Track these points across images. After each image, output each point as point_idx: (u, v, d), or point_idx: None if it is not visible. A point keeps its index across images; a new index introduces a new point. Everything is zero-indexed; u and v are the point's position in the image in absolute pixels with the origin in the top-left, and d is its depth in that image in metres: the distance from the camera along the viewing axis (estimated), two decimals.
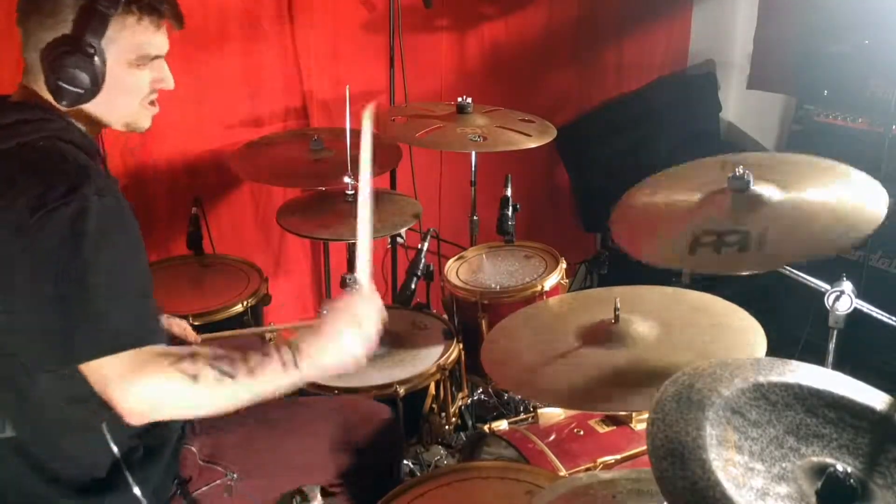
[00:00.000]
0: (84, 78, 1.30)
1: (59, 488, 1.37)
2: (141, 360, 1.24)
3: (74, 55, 1.28)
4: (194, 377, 1.26)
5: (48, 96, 1.34)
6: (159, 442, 1.48)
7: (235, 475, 1.57)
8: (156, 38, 1.40)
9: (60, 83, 1.29)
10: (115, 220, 1.27)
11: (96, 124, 1.42)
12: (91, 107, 1.36)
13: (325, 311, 1.41)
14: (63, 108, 1.35)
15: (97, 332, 1.23)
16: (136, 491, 1.41)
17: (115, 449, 1.39)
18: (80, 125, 1.39)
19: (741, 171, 1.64)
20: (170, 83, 1.45)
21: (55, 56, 1.28)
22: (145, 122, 1.46)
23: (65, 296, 1.21)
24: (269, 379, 1.31)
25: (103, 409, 1.27)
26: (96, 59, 1.30)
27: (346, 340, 1.37)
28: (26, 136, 1.31)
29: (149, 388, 1.24)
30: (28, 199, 1.22)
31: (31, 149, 1.30)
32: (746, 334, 1.63)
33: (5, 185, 1.25)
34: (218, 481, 1.56)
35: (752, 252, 1.47)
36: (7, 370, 1.32)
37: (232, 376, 1.27)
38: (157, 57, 1.42)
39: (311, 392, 2.01)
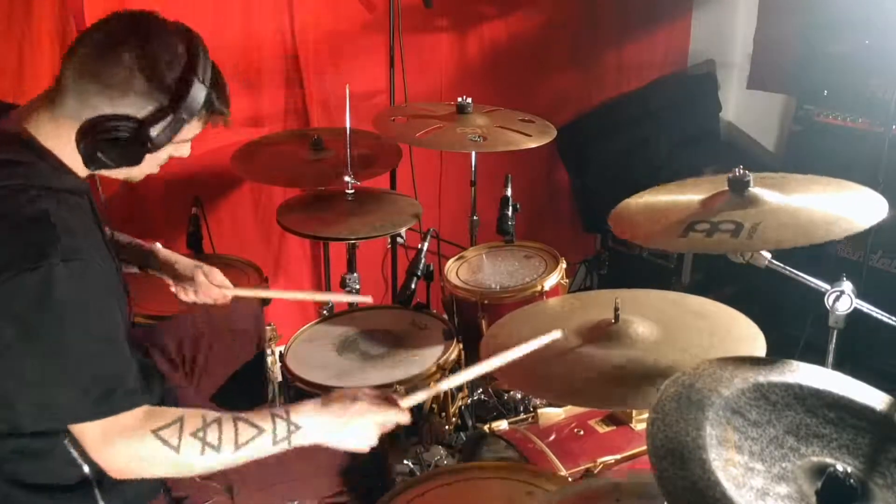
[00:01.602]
0: (125, 161, 1.30)
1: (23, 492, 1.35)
2: (122, 425, 1.26)
3: (133, 145, 1.27)
4: (176, 448, 1.27)
5: (57, 133, 1.30)
6: None
7: (234, 490, 1.56)
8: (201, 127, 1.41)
9: (100, 155, 1.26)
10: (81, 285, 1.23)
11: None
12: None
13: (348, 393, 1.41)
14: (67, 146, 1.30)
15: (72, 400, 1.23)
16: None
17: (85, 469, 1.37)
18: (70, 165, 1.33)
19: (741, 172, 1.65)
20: (186, 154, 1.46)
21: (112, 133, 1.26)
22: (142, 177, 1.45)
23: (36, 362, 1.21)
24: (255, 451, 1.32)
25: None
26: (147, 145, 1.29)
27: (349, 432, 1.38)
28: (9, 181, 1.26)
29: (128, 453, 1.26)
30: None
31: (8, 199, 1.25)
32: (746, 341, 1.63)
33: None
34: (215, 498, 1.55)
35: (742, 240, 1.50)
36: None
37: (216, 450, 1.29)
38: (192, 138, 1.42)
39: (310, 396, 2.01)
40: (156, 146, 1.30)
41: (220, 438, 1.29)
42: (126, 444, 1.26)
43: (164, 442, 1.27)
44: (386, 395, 1.44)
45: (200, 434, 1.28)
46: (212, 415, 1.31)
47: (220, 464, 1.31)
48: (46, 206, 1.25)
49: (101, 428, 1.25)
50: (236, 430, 1.30)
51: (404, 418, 1.43)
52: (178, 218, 2.61)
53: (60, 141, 1.30)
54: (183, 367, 1.91)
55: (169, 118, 1.29)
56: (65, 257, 1.21)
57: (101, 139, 1.26)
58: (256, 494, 1.59)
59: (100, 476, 1.37)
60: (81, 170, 1.34)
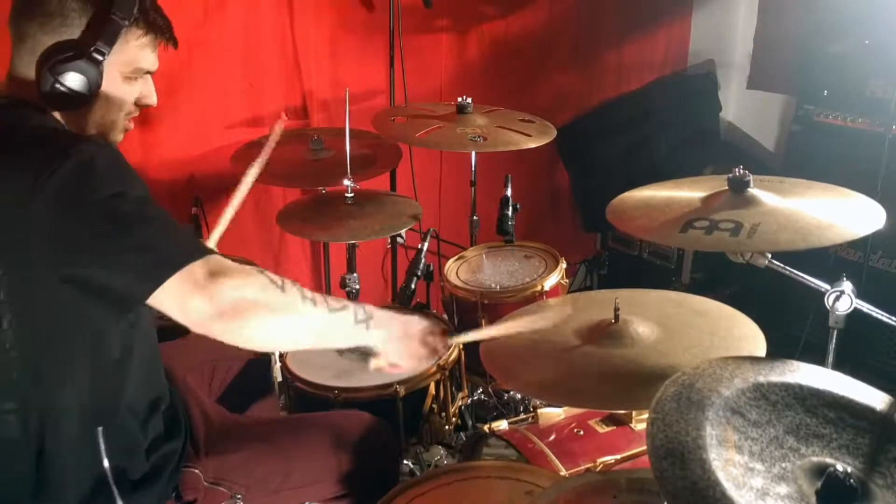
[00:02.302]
0: (84, 84, 1.31)
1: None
2: (224, 262, 1.24)
3: (81, 60, 1.30)
4: (281, 287, 1.26)
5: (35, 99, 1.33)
6: (158, 461, 1.46)
7: (241, 495, 1.56)
8: (152, 55, 1.42)
9: (58, 86, 1.29)
10: (121, 161, 1.28)
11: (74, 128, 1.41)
12: (74, 116, 1.36)
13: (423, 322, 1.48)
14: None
15: (170, 246, 1.22)
16: None
17: (105, 463, 1.37)
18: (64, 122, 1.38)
19: (741, 172, 1.66)
20: (153, 99, 1.46)
21: (59, 59, 1.28)
22: (119, 136, 1.46)
23: (111, 232, 1.20)
24: (340, 324, 1.33)
25: (102, 417, 1.29)
26: (100, 66, 1.32)
27: (408, 342, 1.44)
28: (16, 121, 1.31)
29: (235, 289, 1.21)
30: (27, 168, 1.20)
31: (22, 128, 1.30)
32: (746, 340, 1.63)
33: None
34: (224, 502, 1.56)
35: (741, 239, 1.51)
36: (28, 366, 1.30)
37: (314, 303, 1.29)
38: (148, 72, 1.43)
39: (313, 396, 2.02)
40: (101, 53, 1.31)
41: (315, 296, 1.30)
42: (233, 281, 1.21)
43: (271, 280, 1.25)
44: (441, 327, 1.50)
45: (299, 286, 1.29)
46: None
47: (314, 321, 1.30)
48: (47, 124, 1.33)
49: (207, 267, 1.21)
50: (326, 297, 1.31)
51: (446, 351, 1.54)
52: (178, 218, 2.58)
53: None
54: (203, 381, 1.93)
55: (107, 24, 1.31)
56: (98, 144, 1.26)
57: (55, 69, 1.28)
58: (262, 499, 1.59)
59: (120, 474, 1.38)
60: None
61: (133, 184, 1.27)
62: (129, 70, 1.39)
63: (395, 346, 1.43)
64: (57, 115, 1.37)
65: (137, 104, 1.45)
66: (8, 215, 1.21)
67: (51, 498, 1.35)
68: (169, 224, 1.27)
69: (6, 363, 1.28)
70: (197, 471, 1.56)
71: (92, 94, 1.34)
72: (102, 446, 1.36)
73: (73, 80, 1.30)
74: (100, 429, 1.36)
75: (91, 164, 1.22)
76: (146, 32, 1.38)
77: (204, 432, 1.64)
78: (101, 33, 1.31)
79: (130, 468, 1.41)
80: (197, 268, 1.21)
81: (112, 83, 1.37)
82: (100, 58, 1.32)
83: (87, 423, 1.35)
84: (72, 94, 1.31)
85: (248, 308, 1.22)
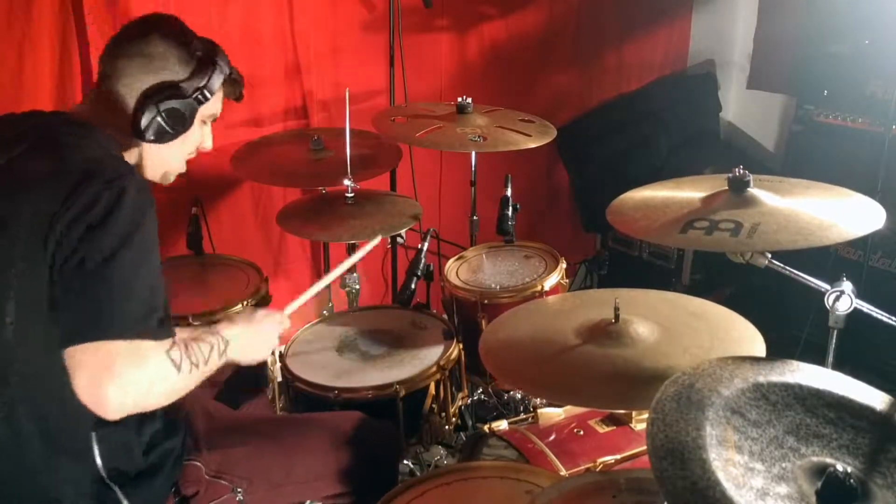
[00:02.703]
0: (182, 119, 1.45)
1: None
2: (142, 347, 1.26)
3: (188, 98, 1.45)
4: (178, 366, 1.31)
5: (116, 130, 1.44)
6: (159, 455, 1.47)
7: (242, 490, 1.57)
8: (221, 103, 1.61)
9: (158, 119, 1.42)
10: (146, 214, 1.33)
11: (159, 166, 1.55)
12: (151, 151, 1.50)
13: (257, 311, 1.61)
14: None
15: (116, 313, 1.25)
16: None
17: (99, 463, 1.38)
18: (133, 162, 1.50)
19: (741, 172, 1.66)
20: (210, 145, 1.62)
21: (168, 95, 1.43)
22: (171, 179, 1.61)
23: (91, 273, 1.25)
24: (212, 366, 1.40)
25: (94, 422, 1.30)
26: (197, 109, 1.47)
27: (265, 340, 1.58)
28: (86, 138, 1.40)
29: (144, 377, 1.25)
30: (74, 175, 1.29)
31: (73, 139, 1.39)
32: (746, 341, 1.63)
33: (37, 173, 1.31)
34: (225, 496, 1.56)
35: (741, 239, 1.51)
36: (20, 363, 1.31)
37: (198, 367, 1.35)
38: (215, 119, 1.60)
39: (313, 396, 2.02)
40: (205, 97, 1.48)
41: (198, 356, 1.36)
42: (145, 368, 1.25)
43: (173, 362, 1.30)
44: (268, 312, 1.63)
45: (188, 354, 1.34)
46: (179, 338, 1.36)
47: (195, 380, 1.36)
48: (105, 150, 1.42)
49: (132, 347, 1.24)
50: (201, 348, 1.38)
51: (287, 324, 1.66)
52: (178, 218, 2.61)
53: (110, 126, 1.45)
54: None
55: (205, 74, 1.48)
56: (138, 186, 1.34)
57: (159, 102, 1.42)
58: (263, 494, 1.60)
59: (117, 473, 1.39)
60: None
61: (138, 238, 1.29)
62: (208, 115, 1.56)
63: (247, 349, 1.52)
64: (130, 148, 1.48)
65: (198, 147, 1.60)
66: (37, 221, 1.27)
67: (48, 500, 1.36)
68: (135, 289, 1.28)
69: (3, 364, 1.30)
70: (199, 464, 1.57)
71: (183, 132, 1.48)
72: (96, 449, 1.37)
73: (175, 115, 1.45)
74: (93, 434, 1.36)
75: (121, 203, 1.29)
76: (230, 83, 1.58)
77: (205, 428, 1.65)
78: (206, 79, 1.48)
79: (127, 467, 1.42)
80: (112, 346, 1.22)
81: (193, 127, 1.51)
82: (203, 101, 1.48)
83: (79, 428, 1.35)
84: (167, 129, 1.45)
85: (144, 395, 1.26)
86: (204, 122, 1.57)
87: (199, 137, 1.58)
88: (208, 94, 1.48)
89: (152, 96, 1.43)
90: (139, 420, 1.44)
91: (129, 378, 1.22)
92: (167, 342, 1.30)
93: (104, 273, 1.25)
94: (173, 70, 1.46)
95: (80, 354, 1.22)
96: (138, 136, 1.44)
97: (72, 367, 1.22)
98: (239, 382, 2.02)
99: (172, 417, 1.54)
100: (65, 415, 1.32)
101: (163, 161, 1.55)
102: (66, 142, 1.38)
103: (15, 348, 1.29)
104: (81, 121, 1.44)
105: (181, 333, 1.41)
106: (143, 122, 1.42)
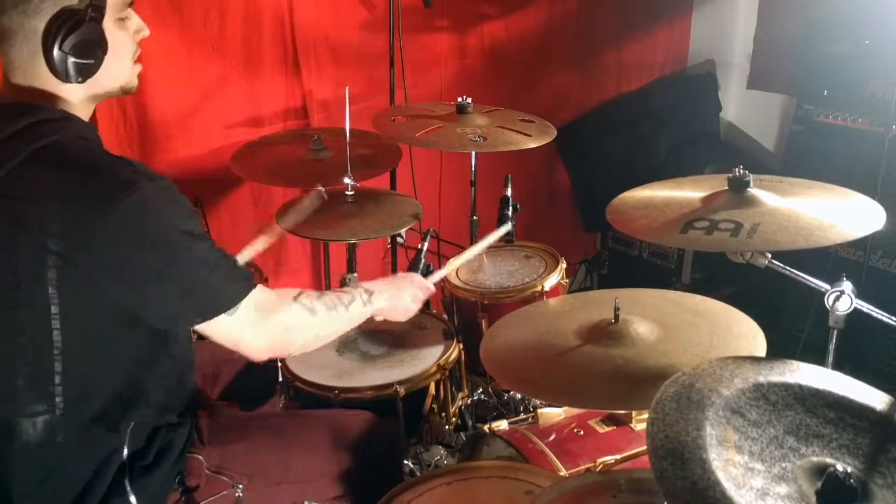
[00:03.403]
0: (94, 47, 1.34)
1: (51, 490, 1.38)
2: (268, 300, 1.43)
3: (83, 26, 1.30)
4: (312, 310, 1.50)
5: (46, 87, 1.34)
6: (164, 448, 1.49)
7: (242, 486, 1.57)
8: None
9: (74, 59, 1.31)
10: (174, 195, 1.34)
11: (91, 104, 1.43)
12: (90, 83, 1.37)
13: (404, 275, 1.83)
14: (61, 97, 1.36)
15: (219, 286, 1.36)
16: (133, 500, 1.42)
17: (125, 452, 1.41)
18: (81, 117, 1.40)
19: (741, 172, 1.66)
20: (146, 30, 1.47)
21: (65, 34, 1.28)
22: (136, 80, 1.48)
23: (168, 274, 1.31)
24: (355, 312, 1.60)
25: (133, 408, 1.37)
26: (102, 24, 1.34)
27: (403, 298, 1.75)
28: (48, 139, 1.31)
29: (280, 323, 1.45)
30: (71, 197, 1.26)
31: (60, 149, 1.31)
32: (746, 340, 1.63)
33: (48, 188, 1.27)
34: (224, 492, 1.56)
35: (741, 239, 1.51)
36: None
37: (335, 309, 1.54)
38: (131, 4, 1.44)
39: (313, 395, 2.02)
40: (98, 10, 1.32)
41: (335, 300, 1.55)
42: (277, 316, 1.45)
43: (304, 307, 1.49)
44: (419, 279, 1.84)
45: (322, 298, 1.53)
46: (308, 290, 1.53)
47: (338, 325, 1.57)
48: (100, 150, 1.37)
49: (254, 306, 1.39)
50: (338, 295, 1.58)
51: (431, 290, 1.87)
52: None
53: (51, 94, 1.36)
54: (206, 383, 1.96)
55: None
56: (148, 177, 1.30)
57: (63, 43, 1.29)
58: (263, 492, 1.60)
59: (132, 461, 1.43)
60: (83, 114, 1.41)
61: (186, 219, 1.35)
62: (119, 11, 1.40)
63: (395, 302, 1.74)
64: (70, 90, 1.37)
65: (137, 41, 1.46)
66: (75, 235, 1.26)
67: (69, 493, 1.38)
68: (219, 260, 1.38)
69: (48, 369, 1.33)
70: (201, 457, 1.58)
71: (105, 52, 1.36)
72: (127, 436, 1.42)
73: (86, 46, 1.32)
74: (128, 429, 1.42)
75: (149, 204, 1.29)
76: None
77: (207, 422, 1.66)
78: None
79: (143, 456, 1.45)
80: (244, 310, 1.39)
81: (111, 33, 1.37)
82: (99, 15, 1.33)
83: (114, 423, 1.40)
84: (89, 61, 1.33)
85: (290, 339, 1.50)
86: (120, 19, 1.40)
87: (128, 35, 1.42)
88: (100, 4, 1.33)
89: (49, 42, 1.29)
90: (162, 411, 1.50)
91: (264, 326, 1.42)
92: (292, 291, 1.50)
93: (187, 258, 1.32)
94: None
95: (216, 328, 1.38)
96: (66, 81, 1.33)
97: (216, 337, 1.41)
98: (250, 387, 2.03)
99: (180, 409, 1.56)
100: (104, 403, 1.38)
101: (110, 80, 1.42)
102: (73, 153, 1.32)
103: (59, 355, 1.32)
104: (25, 103, 1.35)
105: None
106: (60, 70, 1.31)
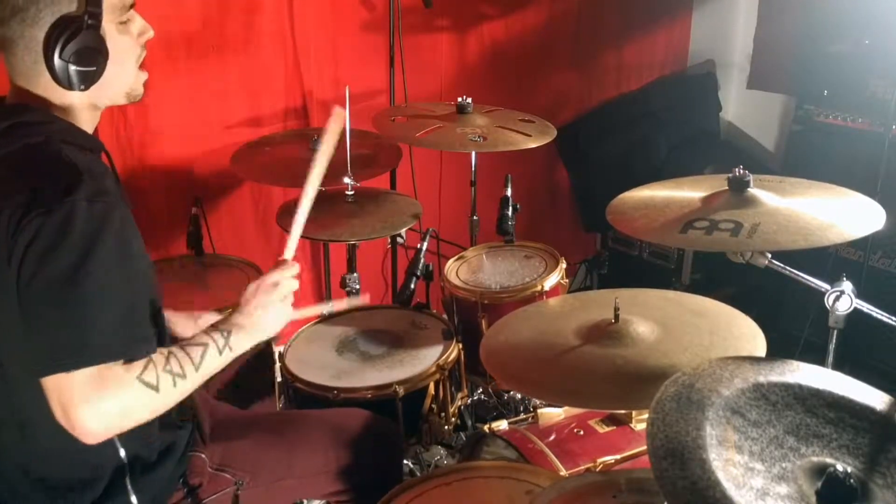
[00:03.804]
0: (95, 54, 1.30)
1: (49, 492, 1.37)
2: (115, 374, 1.23)
3: (81, 33, 1.27)
4: (156, 387, 1.27)
5: (48, 94, 1.33)
6: (166, 449, 1.49)
7: (244, 483, 1.57)
8: None
9: (74, 67, 1.28)
10: (103, 227, 1.23)
11: (96, 111, 1.41)
12: (94, 88, 1.34)
13: (248, 288, 1.49)
14: (63, 104, 1.34)
15: (73, 343, 1.20)
16: (133, 500, 1.42)
17: (122, 452, 1.40)
18: (79, 124, 1.37)
19: (741, 172, 1.66)
20: (150, 31, 1.43)
21: (64, 41, 1.26)
22: (141, 88, 1.44)
23: (46, 302, 1.19)
24: (210, 366, 1.35)
25: None
26: (100, 29, 1.30)
27: (269, 315, 1.46)
28: (28, 139, 1.29)
29: (116, 404, 1.22)
30: (17, 203, 1.20)
31: (30, 150, 1.28)
32: (746, 340, 1.63)
33: (4, 191, 1.23)
34: (227, 489, 1.56)
35: (741, 239, 1.51)
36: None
37: (183, 377, 1.31)
38: (132, 6, 1.40)
39: (313, 396, 2.02)
40: (95, 16, 1.29)
41: (181, 366, 1.31)
42: (114, 396, 1.22)
43: (147, 385, 1.26)
44: (273, 270, 1.50)
45: (168, 367, 1.29)
46: (161, 350, 1.32)
47: (185, 391, 1.32)
48: (72, 155, 1.28)
49: (96, 376, 1.20)
50: (189, 354, 1.33)
51: (293, 271, 1.52)
52: (178, 218, 2.61)
53: (53, 101, 1.33)
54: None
55: None
56: (89, 197, 1.22)
57: (63, 53, 1.26)
58: (265, 489, 1.60)
59: (133, 461, 1.40)
60: (89, 127, 1.39)
61: (101, 255, 1.22)
62: (120, 14, 1.36)
63: (262, 327, 1.46)
64: (71, 119, 1.36)
65: (142, 43, 1.42)
66: (5, 246, 1.21)
67: (70, 491, 1.37)
68: (100, 312, 1.22)
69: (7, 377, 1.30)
70: (203, 456, 1.58)
71: (107, 59, 1.33)
72: (120, 441, 1.38)
73: (85, 54, 1.29)
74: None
75: (71, 224, 1.19)
76: None
77: (209, 422, 1.66)
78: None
79: (143, 456, 1.44)
80: (77, 377, 1.19)
81: (113, 38, 1.34)
82: (96, 21, 1.29)
83: None
84: (90, 69, 1.31)
85: (122, 421, 1.25)
86: (122, 23, 1.37)
87: (131, 39, 1.39)
88: (96, 11, 1.29)
89: (50, 50, 1.26)
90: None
91: (100, 407, 1.20)
92: (138, 365, 1.25)
93: (62, 299, 1.19)
94: (50, 5, 1.27)
95: (48, 385, 1.20)
96: (70, 89, 1.31)
97: (47, 395, 1.20)
98: (246, 385, 2.03)
99: (182, 403, 1.55)
100: None
101: (114, 86, 1.39)
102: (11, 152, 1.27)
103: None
104: (17, 105, 1.33)
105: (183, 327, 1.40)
106: (62, 78, 1.28)
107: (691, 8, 3.97)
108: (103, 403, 1.21)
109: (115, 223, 1.24)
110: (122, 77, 1.39)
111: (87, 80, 1.32)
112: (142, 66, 1.44)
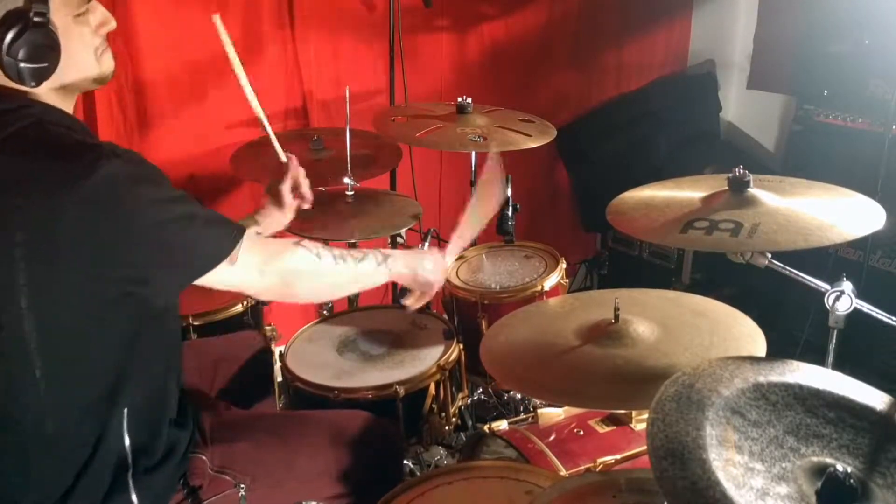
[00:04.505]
0: (44, 50, 1.27)
1: (47, 484, 1.37)
2: (263, 244, 1.47)
3: (28, 31, 1.24)
4: (317, 255, 1.51)
5: (13, 85, 1.29)
6: (168, 449, 1.49)
7: (245, 486, 1.57)
8: None
9: (24, 65, 1.25)
10: (142, 168, 1.30)
11: (69, 95, 1.39)
12: (54, 79, 1.31)
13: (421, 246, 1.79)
14: (31, 91, 1.31)
15: (220, 237, 1.35)
16: (134, 499, 1.42)
17: (126, 441, 1.40)
18: (55, 105, 1.35)
19: (741, 172, 1.66)
20: (112, 22, 1.41)
21: (11, 39, 1.23)
22: (109, 68, 1.42)
23: (154, 244, 1.28)
24: (367, 270, 1.61)
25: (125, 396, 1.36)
26: (49, 26, 1.27)
27: (424, 266, 1.74)
28: (11, 126, 1.27)
29: (284, 266, 1.47)
30: (49, 183, 1.21)
31: (22, 139, 1.26)
32: (746, 340, 1.63)
33: (14, 179, 1.23)
34: (227, 491, 1.56)
35: (741, 239, 1.51)
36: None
37: (343, 259, 1.56)
38: None
39: (313, 396, 2.02)
40: (41, 14, 1.26)
41: (343, 254, 1.56)
42: (281, 259, 1.46)
43: (308, 250, 1.51)
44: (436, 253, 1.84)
45: (326, 249, 1.53)
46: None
47: (346, 275, 1.57)
48: (75, 132, 1.32)
49: (253, 250, 1.40)
50: (351, 252, 1.59)
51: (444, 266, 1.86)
52: None
53: (20, 89, 1.31)
54: (205, 381, 1.96)
55: None
56: (115, 153, 1.26)
57: (10, 50, 1.24)
58: (265, 491, 1.60)
59: (136, 457, 1.42)
60: (68, 109, 1.38)
61: (158, 187, 1.31)
62: (76, 8, 1.33)
63: (415, 268, 1.72)
64: (46, 100, 1.34)
65: (102, 34, 1.39)
66: (38, 225, 1.22)
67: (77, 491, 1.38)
68: (202, 214, 1.36)
69: (27, 367, 1.30)
70: (204, 457, 1.58)
71: (58, 55, 1.29)
72: (125, 426, 1.40)
73: (34, 52, 1.26)
74: (123, 420, 1.40)
75: (118, 176, 1.24)
76: None
77: (210, 423, 1.66)
78: None
79: (148, 452, 1.44)
80: (243, 252, 1.38)
81: (68, 31, 1.31)
82: (42, 18, 1.26)
83: (105, 413, 1.38)
84: (41, 66, 1.27)
85: (295, 282, 1.50)
86: (81, 14, 1.33)
87: (89, 31, 1.36)
88: (42, 10, 1.25)
89: (5, 39, 1.23)
90: (163, 405, 1.49)
91: (276, 271, 1.45)
92: (293, 239, 1.52)
93: (178, 223, 1.31)
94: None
95: (222, 273, 1.36)
96: (27, 85, 1.28)
97: (228, 284, 1.40)
98: (248, 385, 2.04)
99: (183, 403, 1.57)
100: (91, 395, 1.36)
101: (75, 75, 1.36)
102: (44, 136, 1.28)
103: (34, 339, 1.29)
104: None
105: None
106: (13, 76, 1.26)
107: (691, 8, 3.97)
108: (269, 264, 1.44)
109: (137, 166, 1.30)
110: (81, 68, 1.37)
111: (39, 77, 1.29)
112: (110, 46, 1.42)
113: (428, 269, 1.75)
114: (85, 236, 1.22)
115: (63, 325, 1.29)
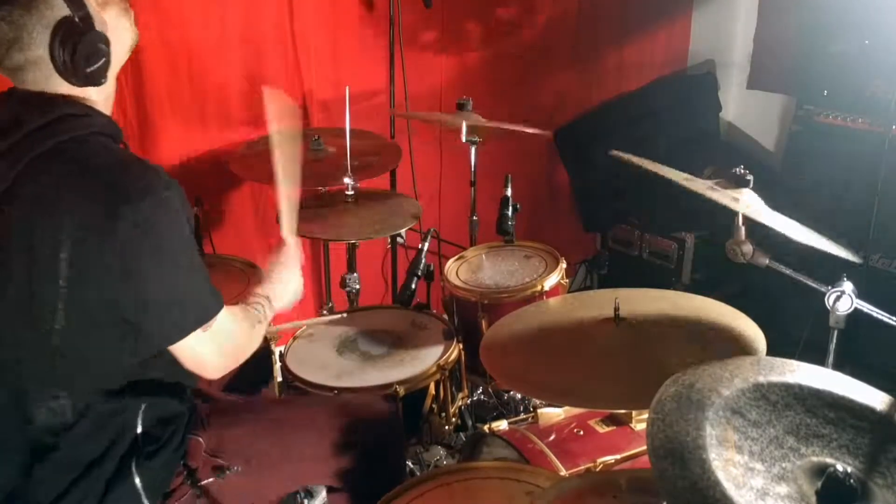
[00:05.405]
0: (100, 48, 1.34)
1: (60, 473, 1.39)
2: (230, 319, 1.44)
3: (83, 38, 1.30)
4: (252, 325, 1.53)
5: (73, 92, 1.35)
6: (171, 429, 1.51)
7: (239, 469, 1.58)
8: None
9: (89, 69, 1.32)
10: (182, 201, 1.36)
11: (111, 99, 1.45)
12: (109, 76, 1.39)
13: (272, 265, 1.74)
14: (87, 96, 1.37)
15: (203, 296, 1.38)
16: (137, 481, 1.44)
17: (139, 430, 1.44)
18: (102, 111, 1.41)
19: (741, 171, 1.65)
20: (135, 35, 1.47)
21: (69, 51, 1.29)
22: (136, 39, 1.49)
23: (160, 280, 1.32)
24: (267, 321, 1.60)
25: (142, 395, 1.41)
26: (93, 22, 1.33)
27: (290, 288, 1.72)
28: (70, 133, 1.32)
29: (238, 342, 1.48)
30: (100, 198, 1.27)
31: (81, 146, 1.32)
32: (746, 340, 1.63)
33: (65, 184, 1.28)
34: (223, 474, 1.57)
35: None
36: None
37: (265, 319, 1.58)
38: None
39: (313, 390, 2.02)
40: (87, 19, 1.32)
41: (264, 310, 1.59)
42: (236, 337, 1.47)
43: (250, 323, 1.53)
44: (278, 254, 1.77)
45: (248, 314, 1.55)
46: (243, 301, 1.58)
47: (258, 340, 1.56)
48: (120, 150, 1.39)
49: (229, 318, 1.44)
50: (254, 308, 1.58)
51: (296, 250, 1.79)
52: None
53: (81, 95, 1.37)
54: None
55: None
56: (165, 183, 1.33)
57: (66, 56, 1.30)
58: (261, 474, 1.61)
59: (144, 438, 1.45)
60: (109, 113, 1.44)
61: (187, 226, 1.37)
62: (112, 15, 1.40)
63: (289, 296, 1.72)
64: (93, 90, 1.38)
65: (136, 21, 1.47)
66: (83, 239, 1.27)
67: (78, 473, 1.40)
68: (203, 269, 1.41)
69: (50, 365, 1.35)
70: (201, 439, 1.59)
71: (109, 48, 1.36)
72: (139, 423, 1.44)
73: (93, 53, 1.33)
74: (139, 410, 1.45)
75: (166, 206, 1.31)
76: None
77: (207, 407, 1.67)
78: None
79: (154, 440, 1.47)
80: (219, 320, 1.41)
81: (116, 24, 1.39)
82: (87, 18, 1.31)
83: (123, 404, 1.42)
84: (101, 65, 1.35)
85: (239, 357, 1.51)
86: (127, 9, 1.43)
87: (128, 24, 1.44)
88: (91, 14, 1.32)
89: (60, 64, 1.30)
90: (172, 391, 1.52)
91: (225, 349, 1.45)
92: (236, 308, 1.51)
93: (175, 274, 1.35)
94: (39, 22, 1.28)
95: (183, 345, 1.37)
96: (98, 85, 1.37)
97: (180, 353, 1.39)
98: (244, 376, 2.03)
99: (184, 391, 1.58)
100: (111, 387, 1.41)
101: (117, 67, 1.45)
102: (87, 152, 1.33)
103: (60, 341, 1.33)
104: (60, 96, 1.35)
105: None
106: (82, 83, 1.34)
107: (691, 8, 3.97)
108: (229, 344, 1.46)
109: (184, 202, 1.38)
110: (120, 56, 1.44)
111: (101, 74, 1.36)
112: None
113: (293, 284, 1.74)
114: (124, 254, 1.28)
115: (85, 335, 1.35)
